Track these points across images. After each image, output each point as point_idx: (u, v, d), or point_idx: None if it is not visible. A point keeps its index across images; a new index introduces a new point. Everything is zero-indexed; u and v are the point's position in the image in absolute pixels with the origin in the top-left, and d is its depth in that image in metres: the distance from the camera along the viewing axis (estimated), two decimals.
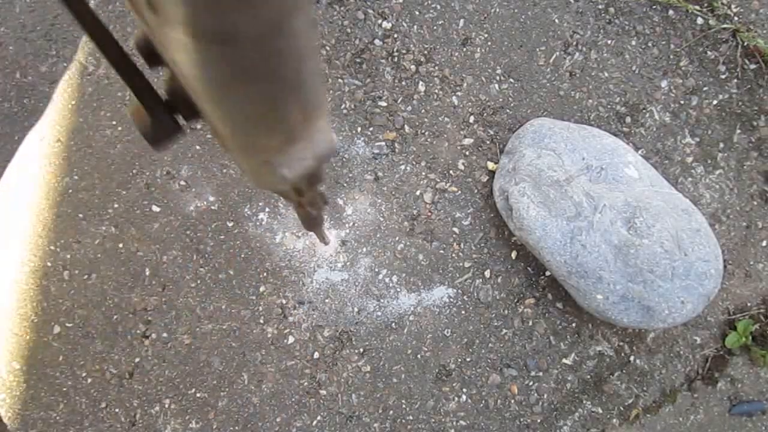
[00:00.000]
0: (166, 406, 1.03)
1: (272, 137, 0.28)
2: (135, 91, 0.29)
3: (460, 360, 1.06)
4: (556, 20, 1.16)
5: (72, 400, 1.03)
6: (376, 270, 1.08)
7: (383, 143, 1.11)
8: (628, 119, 1.13)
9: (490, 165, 1.11)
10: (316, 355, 1.05)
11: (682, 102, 1.14)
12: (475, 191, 1.11)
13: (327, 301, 1.06)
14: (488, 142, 1.12)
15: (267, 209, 1.09)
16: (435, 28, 1.15)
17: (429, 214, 1.10)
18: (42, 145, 1.09)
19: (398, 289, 1.07)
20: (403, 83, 1.13)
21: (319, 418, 1.03)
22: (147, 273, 1.06)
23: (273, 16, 0.21)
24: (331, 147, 0.31)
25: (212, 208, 1.08)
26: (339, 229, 1.09)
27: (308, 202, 0.39)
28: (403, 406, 1.04)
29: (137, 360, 1.04)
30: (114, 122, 1.10)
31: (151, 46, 0.28)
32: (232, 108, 0.26)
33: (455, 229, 1.09)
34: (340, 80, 1.13)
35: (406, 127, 1.12)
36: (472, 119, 1.12)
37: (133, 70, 0.29)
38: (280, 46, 0.22)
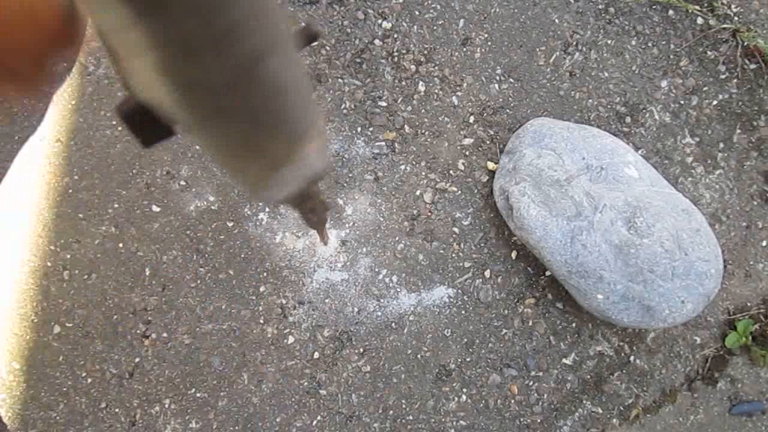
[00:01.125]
0: (166, 406, 1.03)
1: (257, 164, 0.28)
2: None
3: (460, 360, 1.06)
4: (556, 20, 1.16)
5: (72, 400, 1.02)
6: (376, 270, 1.07)
7: (383, 143, 1.11)
8: (628, 119, 1.13)
9: (490, 165, 1.11)
10: (316, 355, 1.05)
11: (682, 102, 1.14)
12: (475, 191, 1.11)
13: (327, 301, 1.06)
14: (488, 142, 1.12)
15: (267, 209, 1.09)
16: (435, 28, 1.15)
17: (429, 214, 1.10)
18: (42, 145, 1.09)
19: (398, 289, 1.07)
20: (403, 83, 1.13)
21: (319, 418, 1.03)
22: (147, 273, 1.06)
23: (241, 64, 0.21)
24: (322, 168, 0.31)
25: (212, 208, 1.08)
26: (339, 229, 1.08)
27: (309, 209, 0.39)
28: (403, 406, 1.04)
29: (137, 360, 1.04)
30: (114, 122, 1.10)
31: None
32: (212, 141, 0.26)
33: (455, 229, 1.09)
34: (340, 80, 1.13)
35: (406, 127, 1.12)
36: (472, 119, 1.12)
37: None
38: (254, 90, 0.22)
